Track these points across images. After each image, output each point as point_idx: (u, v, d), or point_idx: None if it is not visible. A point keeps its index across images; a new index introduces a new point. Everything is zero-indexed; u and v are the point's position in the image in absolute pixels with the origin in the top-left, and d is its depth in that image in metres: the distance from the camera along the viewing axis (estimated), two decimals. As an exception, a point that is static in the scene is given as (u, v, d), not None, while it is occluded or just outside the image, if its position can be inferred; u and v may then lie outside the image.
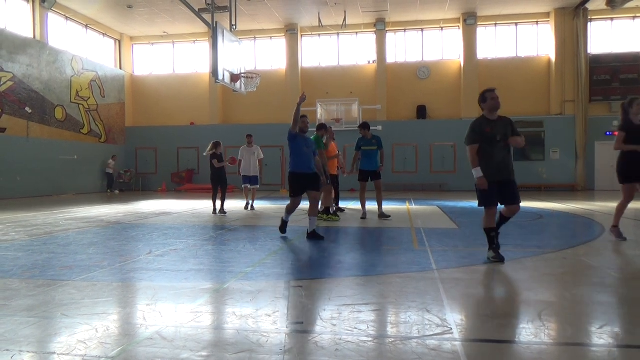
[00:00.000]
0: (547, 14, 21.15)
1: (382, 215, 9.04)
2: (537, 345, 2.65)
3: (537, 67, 21.53)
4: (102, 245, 6.39)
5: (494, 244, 4.95)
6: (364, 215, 9.20)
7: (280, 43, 23.41)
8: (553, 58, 20.97)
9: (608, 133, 20.28)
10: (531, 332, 2.85)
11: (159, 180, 23.53)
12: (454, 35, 22.18)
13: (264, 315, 3.19)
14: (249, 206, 11.37)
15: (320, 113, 21.54)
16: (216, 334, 2.92)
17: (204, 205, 13.06)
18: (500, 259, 4.83)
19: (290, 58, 22.86)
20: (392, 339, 2.76)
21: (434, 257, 5.22)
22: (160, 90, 24.44)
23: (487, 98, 4.89)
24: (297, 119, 6.47)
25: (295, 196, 6.61)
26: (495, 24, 21.78)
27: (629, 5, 17.66)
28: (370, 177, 9.10)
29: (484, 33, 21.90)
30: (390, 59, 22.58)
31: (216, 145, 10.45)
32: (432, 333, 2.82)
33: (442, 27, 22.27)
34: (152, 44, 24.56)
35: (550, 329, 2.96)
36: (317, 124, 21.97)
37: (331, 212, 9.21)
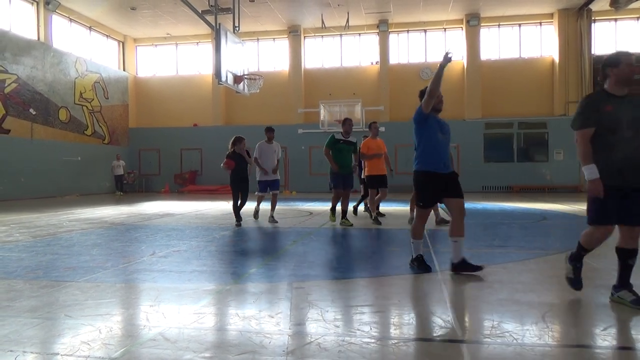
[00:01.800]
0: (551, 15, 21.11)
1: (444, 221, 8.19)
2: (540, 347, 2.64)
3: (540, 68, 21.48)
4: (105, 246, 6.41)
5: (579, 262, 3.63)
6: (441, 219, 8.21)
7: (283, 44, 23.44)
8: (557, 59, 20.91)
9: (612, 134, 20.20)
10: (534, 334, 2.84)
11: (162, 181, 23.59)
12: (457, 37, 22.16)
13: (266, 317, 3.19)
14: (266, 216, 8.97)
15: (323, 114, 21.56)
16: (219, 335, 2.92)
17: (207, 207, 13.07)
18: (576, 286, 3.63)
19: (293, 59, 22.88)
20: (395, 341, 2.76)
21: (437, 259, 5.20)
22: (163, 92, 24.50)
23: (621, 63, 3.39)
24: (436, 91, 4.38)
25: (427, 207, 4.57)
26: (499, 25, 21.75)
27: (633, 6, 17.63)
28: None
29: (487, 34, 21.87)
30: (393, 60, 22.57)
31: (236, 141, 8.55)
32: (435, 335, 2.81)
33: (445, 28, 22.26)
34: (156, 45, 24.63)
35: (553, 331, 2.95)
36: (320, 125, 21.57)
37: (373, 216, 8.62)
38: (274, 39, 23.54)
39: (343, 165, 8.23)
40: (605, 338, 2.80)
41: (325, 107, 21.74)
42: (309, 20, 21.66)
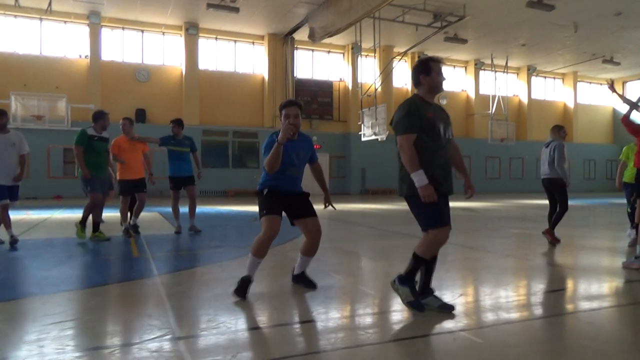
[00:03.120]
0: (262, 37, 23.43)
1: (194, 228, 7.71)
2: (249, 331, 2.95)
3: (252, 83, 23.57)
4: None
5: (414, 280, 3.34)
6: (178, 228, 7.63)
7: (-41, 17, 18.89)
8: (266, 77, 23.34)
9: (307, 146, 23.81)
10: (244, 320, 3.16)
11: None
12: (176, 42, 22.23)
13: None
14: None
15: (16, 108, 18.36)
16: None
17: None
18: (420, 308, 3.27)
19: (-25, 38, 18.69)
20: (111, 349, 2.62)
21: (155, 263, 5.14)
22: None
23: (432, 70, 3.31)
24: (275, 166, 3.69)
25: (273, 213, 3.81)
26: (216, 38, 22.86)
27: (325, 40, 21.16)
28: (183, 185, 7.68)
29: (206, 45, 22.66)
30: (107, 56, 21.00)
31: None
32: (153, 336, 2.80)
33: (163, 32, 22.02)
34: None
35: (260, 315, 3.33)
36: (11, 119, 18.42)
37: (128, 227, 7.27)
38: (-55, 7, 18.71)
39: (99, 168, 6.76)
40: (303, 315, 3.32)
41: (19, 100, 18.56)
42: (-2, -6, 18.08)
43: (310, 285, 4.05)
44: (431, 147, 3.21)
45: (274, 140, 3.68)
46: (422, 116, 3.20)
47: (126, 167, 7.46)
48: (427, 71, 3.31)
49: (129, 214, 7.53)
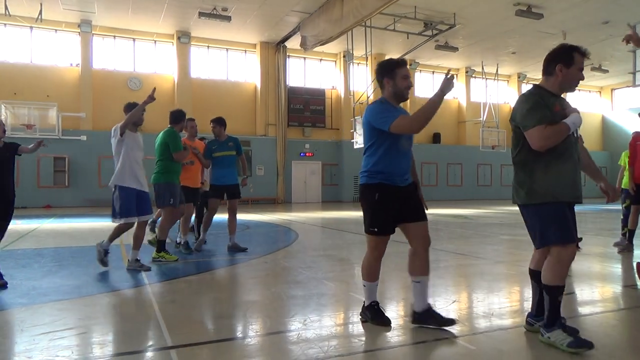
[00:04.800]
0: (254, 45, 23.47)
1: (236, 247, 6.57)
2: (241, 339, 2.93)
3: (245, 91, 23.58)
4: None
5: (560, 317, 2.79)
6: (201, 242, 6.68)
7: (-52, 25, 18.77)
8: (259, 85, 23.36)
9: (302, 154, 23.82)
10: (238, 329, 3.14)
11: None
12: (168, 51, 22.22)
13: None
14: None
15: (6, 116, 18.23)
16: None
17: None
18: (586, 344, 2.66)
19: (-35, 46, 18.57)
20: (102, 359, 2.59)
21: (146, 273, 5.09)
22: None
23: (574, 63, 2.79)
24: (428, 121, 2.95)
25: (385, 233, 3.16)
26: (208, 47, 22.88)
27: (317, 49, 21.27)
28: (226, 194, 6.59)
29: (198, 53, 22.67)
30: (98, 65, 20.94)
31: None
32: (146, 346, 2.77)
33: (155, 41, 22.01)
34: None
35: (254, 324, 3.31)
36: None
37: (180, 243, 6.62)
38: None
39: (179, 174, 6.10)
40: (293, 323, 3.30)
41: (9, 109, 18.44)
42: (-12, 2, 17.98)
43: (442, 322, 3.06)
44: (560, 147, 2.71)
45: (386, 106, 3.08)
46: (550, 109, 2.71)
47: (184, 173, 6.38)
48: (568, 62, 2.77)
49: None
